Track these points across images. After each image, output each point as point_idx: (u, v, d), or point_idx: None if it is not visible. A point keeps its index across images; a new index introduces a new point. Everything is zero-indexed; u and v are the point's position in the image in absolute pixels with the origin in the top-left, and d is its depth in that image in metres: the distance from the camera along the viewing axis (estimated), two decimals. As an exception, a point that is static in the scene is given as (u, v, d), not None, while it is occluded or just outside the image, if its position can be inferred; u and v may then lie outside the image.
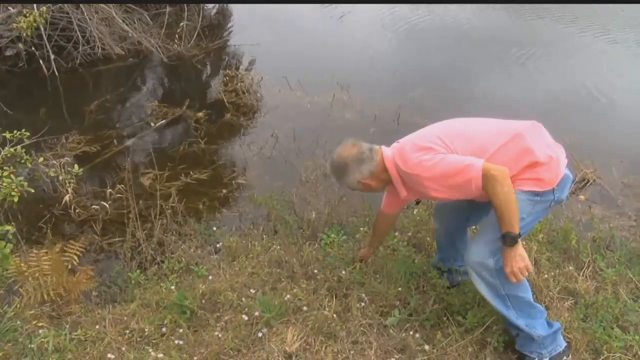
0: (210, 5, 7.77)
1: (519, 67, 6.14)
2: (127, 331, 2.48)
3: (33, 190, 2.68)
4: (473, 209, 2.47)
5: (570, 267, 2.91)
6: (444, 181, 2.08)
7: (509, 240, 2.03)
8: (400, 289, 2.64)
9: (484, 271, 2.15)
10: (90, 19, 5.82)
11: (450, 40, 6.90)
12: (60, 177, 3.59)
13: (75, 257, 2.83)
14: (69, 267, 2.79)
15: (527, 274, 2.10)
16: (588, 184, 4.07)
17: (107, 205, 3.60)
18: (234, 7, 7.84)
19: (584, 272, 2.90)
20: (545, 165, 2.11)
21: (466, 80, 5.78)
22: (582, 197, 3.95)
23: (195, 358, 2.30)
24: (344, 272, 2.76)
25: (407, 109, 4.89)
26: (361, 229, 3.18)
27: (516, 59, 6.32)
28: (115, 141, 4.51)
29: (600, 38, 7.02)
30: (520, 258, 2.06)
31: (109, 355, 2.30)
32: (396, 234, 3.10)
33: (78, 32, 5.77)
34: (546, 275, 2.80)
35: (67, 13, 5.77)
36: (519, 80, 5.86)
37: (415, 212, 3.27)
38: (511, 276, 2.07)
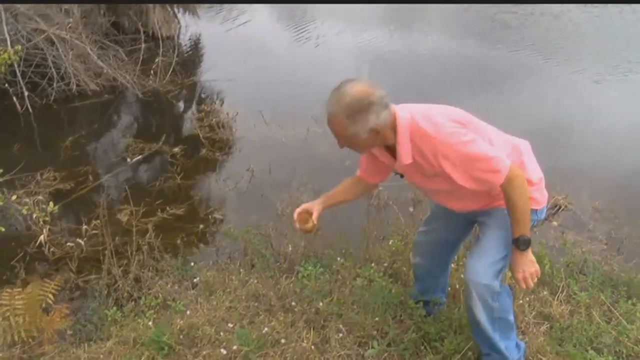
0: (185, 42, 7.87)
1: (490, 95, 6.31)
2: (104, 370, 2.44)
3: (3, 229, 2.66)
4: (459, 239, 2.47)
5: (545, 292, 2.97)
6: (469, 163, 1.91)
7: (523, 243, 2.01)
8: (377, 319, 2.65)
9: (488, 294, 2.10)
10: (65, 56, 5.85)
11: (424, 69, 7.09)
12: (34, 215, 3.55)
13: (51, 296, 2.79)
14: (43, 305, 2.75)
15: (536, 279, 2.08)
16: (560, 210, 4.17)
17: (82, 243, 3.56)
18: (208, 43, 7.95)
19: (558, 296, 2.96)
20: (536, 184, 2.13)
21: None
22: (554, 223, 4.05)
23: (173, 395, 2.28)
24: (321, 303, 2.77)
25: None
26: (338, 259, 3.20)
27: (487, 87, 6.50)
28: (90, 177, 4.49)
29: (567, 68, 7.27)
30: (530, 263, 2.05)
31: (85, 396, 2.26)
32: (372, 264, 3.12)
33: (53, 68, 5.78)
34: (521, 301, 2.85)
35: (42, 49, 5.79)
36: (490, 108, 6.00)
37: (390, 243, 3.30)
38: (522, 282, 2.06)
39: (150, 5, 7.11)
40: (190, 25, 8.19)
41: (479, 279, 2.09)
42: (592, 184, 4.46)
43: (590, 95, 6.49)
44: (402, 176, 2.17)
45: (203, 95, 6.37)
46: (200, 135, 5.19)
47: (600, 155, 5.03)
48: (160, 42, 6.87)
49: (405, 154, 1.98)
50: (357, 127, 1.88)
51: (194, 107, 6.09)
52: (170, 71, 6.41)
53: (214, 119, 5.47)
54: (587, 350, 2.53)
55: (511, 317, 2.25)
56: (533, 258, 2.07)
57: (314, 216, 2.24)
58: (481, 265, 2.12)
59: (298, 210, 2.26)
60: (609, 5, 10.29)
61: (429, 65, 7.35)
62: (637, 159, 4.98)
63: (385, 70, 7.10)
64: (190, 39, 8.03)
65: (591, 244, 3.79)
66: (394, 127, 1.95)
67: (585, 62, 7.39)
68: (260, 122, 5.45)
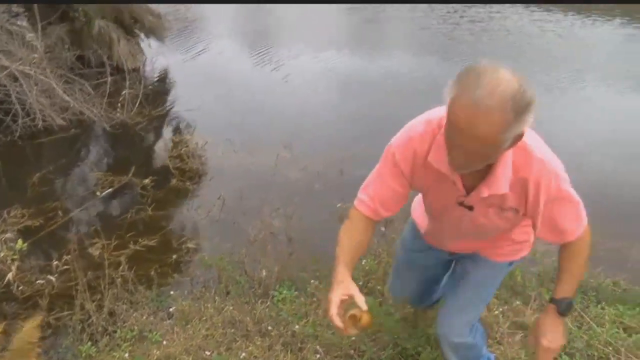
0: (151, 73, 7.88)
1: None
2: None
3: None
4: (439, 275, 2.28)
5: (518, 302, 3.04)
6: (562, 205, 1.61)
7: (567, 308, 1.71)
8: (354, 338, 2.67)
9: (463, 348, 2.01)
10: (29, 91, 5.81)
11: (391, 92, 7.19)
12: (1, 254, 3.50)
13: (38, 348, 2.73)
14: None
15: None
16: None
17: (53, 279, 3.51)
18: (175, 73, 7.98)
19: (531, 305, 3.03)
20: None
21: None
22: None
23: None
24: (297, 326, 2.79)
25: (351, 163, 5.04)
26: (312, 281, 3.22)
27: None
28: (60, 213, 4.45)
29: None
30: (562, 334, 1.75)
31: None
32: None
33: (17, 104, 5.73)
34: (496, 312, 2.92)
35: (5, 86, 5.74)
36: None
37: (364, 263, 3.34)
38: (543, 353, 1.75)
39: (115, 38, 7.12)
40: (156, 56, 8.21)
41: (454, 337, 1.98)
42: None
43: (542, 105, 6.67)
44: (470, 208, 1.64)
45: (171, 126, 6.37)
46: (170, 166, 5.19)
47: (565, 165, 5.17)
48: (127, 74, 6.87)
49: (504, 180, 1.50)
50: (514, 127, 1.31)
51: (162, 137, 6.08)
52: (137, 103, 6.41)
53: (183, 149, 5.47)
54: (560, 356, 2.59)
55: (484, 348, 2.20)
56: (565, 330, 1.78)
57: (359, 300, 1.52)
58: (459, 321, 1.98)
59: (333, 309, 1.50)
60: (563, 18, 10.69)
61: (390, 83, 7.48)
62: (594, 167, 5.13)
63: (348, 91, 7.24)
64: (156, 70, 8.04)
65: (560, 253, 3.89)
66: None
67: (537, 73, 7.59)
68: (229, 150, 5.48)
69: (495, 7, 11.78)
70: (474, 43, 9.35)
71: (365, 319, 1.51)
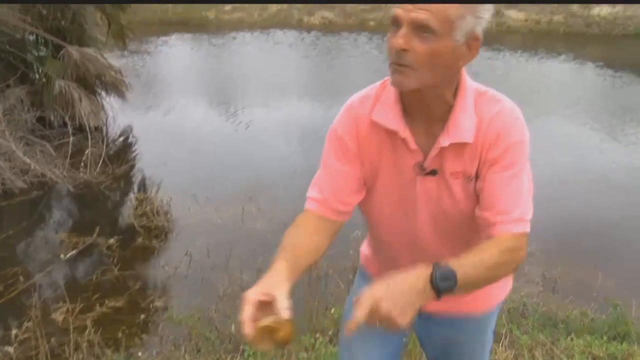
0: (115, 131, 7.86)
1: None
2: None
3: None
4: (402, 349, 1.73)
5: (489, 341, 3.05)
6: (513, 179, 1.28)
7: (441, 277, 1.12)
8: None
9: None
10: (-12, 156, 5.72)
11: None
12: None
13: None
14: None
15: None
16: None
17: (11, 350, 3.38)
18: (139, 131, 7.98)
19: (502, 342, 3.06)
20: None
21: None
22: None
23: None
24: (270, 381, 2.74)
25: None
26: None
27: None
28: (21, 278, 4.31)
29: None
30: (410, 301, 1.11)
31: None
32: (317, 335, 3.12)
33: (-24, 169, 5.63)
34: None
35: (-37, 152, 5.66)
36: None
37: (333, 311, 3.33)
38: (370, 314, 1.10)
39: (76, 96, 7.11)
40: (118, 114, 8.21)
41: None
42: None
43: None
44: (433, 172, 1.33)
45: (136, 183, 6.34)
46: (136, 224, 5.13)
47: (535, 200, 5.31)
48: (89, 133, 6.84)
49: (467, 125, 1.27)
50: (471, 21, 1.18)
51: (127, 196, 6.04)
52: (101, 162, 6.37)
53: (148, 207, 5.43)
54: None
55: None
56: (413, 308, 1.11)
57: (281, 306, 1.09)
58: None
59: (247, 310, 1.09)
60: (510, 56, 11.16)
61: None
62: (556, 200, 5.27)
63: (310, 139, 7.25)
64: (119, 128, 8.03)
65: (528, 287, 3.97)
66: (457, 84, 1.29)
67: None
68: (195, 206, 5.47)
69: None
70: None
71: (283, 332, 1.09)
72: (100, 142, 6.82)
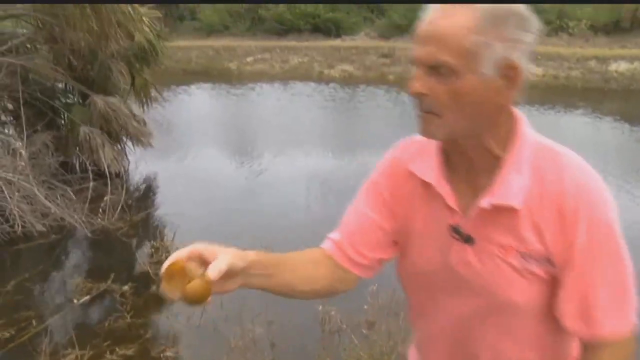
0: (135, 178, 7.99)
1: None
2: None
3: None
4: None
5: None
6: (606, 271, 1.02)
7: None
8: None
9: None
10: (10, 197, 5.83)
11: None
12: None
13: None
14: None
15: None
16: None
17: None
18: (159, 178, 8.11)
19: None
20: None
21: None
22: None
23: None
24: None
25: None
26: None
27: None
28: (34, 322, 4.33)
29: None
30: None
31: None
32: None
33: (-3, 211, 5.74)
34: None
35: (-13, 194, 5.78)
36: None
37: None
38: None
39: (100, 143, 7.27)
40: (140, 161, 8.36)
41: None
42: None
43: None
44: (467, 239, 1.08)
45: (153, 231, 6.38)
46: (151, 272, 5.14)
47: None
48: (109, 179, 6.96)
49: (516, 185, 1.02)
50: (488, 39, 0.95)
51: (144, 243, 6.07)
52: (119, 208, 6.45)
53: (164, 254, 5.45)
54: None
55: None
56: None
57: (215, 265, 1.02)
58: None
59: (176, 255, 1.05)
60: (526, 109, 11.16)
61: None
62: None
63: (328, 192, 7.36)
64: (139, 175, 8.18)
65: None
66: (508, 133, 1.06)
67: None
68: None
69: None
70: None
71: (196, 286, 0.99)
72: (120, 188, 6.93)
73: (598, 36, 26.54)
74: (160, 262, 5.29)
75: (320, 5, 31.72)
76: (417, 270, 1.19)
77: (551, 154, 1.05)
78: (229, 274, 1.02)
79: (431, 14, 0.99)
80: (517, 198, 1.01)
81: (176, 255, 1.02)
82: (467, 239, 1.08)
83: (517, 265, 1.03)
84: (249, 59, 23.82)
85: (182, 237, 5.92)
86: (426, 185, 1.12)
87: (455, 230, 1.09)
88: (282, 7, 32.15)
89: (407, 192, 1.17)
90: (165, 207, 6.94)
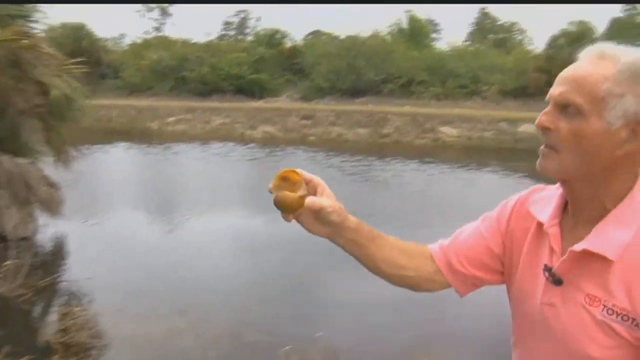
0: (44, 242, 7.61)
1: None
2: None
3: None
4: None
5: None
6: None
7: None
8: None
9: None
10: None
11: (293, 252, 7.25)
12: None
13: None
14: None
15: None
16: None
17: None
18: (69, 242, 7.76)
19: None
20: None
21: (310, 291, 6.08)
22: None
23: None
24: None
25: (247, 328, 4.98)
26: None
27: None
28: None
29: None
30: None
31: None
32: None
33: None
34: None
35: None
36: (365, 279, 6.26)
37: None
38: None
39: (3, 206, 6.91)
40: (51, 223, 7.99)
41: None
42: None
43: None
44: (557, 281, 1.09)
45: (60, 297, 6.04)
46: (53, 341, 4.84)
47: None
48: (12, 243, 6.59)
49: (615, 237, 1.02)
50: (622, 90, 0.99)
51: (49, 310, 5.73)
52: (23, 273, 6.08)
53: (70, 321, 5.16)
54: None
55: None
56: None
57: (320, 189, 1.17)
58: None
59: (297, 170, 1.15)
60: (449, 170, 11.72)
61: (289, 245, 7.60)
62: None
63: (245, 253, 7.29)
64: (50, 238, 7.78)
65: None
66: (626, 190, 1.06)
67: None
68: (122, 320, 5.23)
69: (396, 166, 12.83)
70: (374, 200, 10.05)
71: (292, 197, 1.12)
72: (25, 252, 6.56)
73: (507, 100, 28.48)
74: (65, 330, 5.04)
75: (245, 67, 32.30)
76: (518, 304, 1.22)
77: None
78: (321, 216, 1.14)
79: (579, 61, 1.05)
80: (612, 249, 1.01)
81: (301, 171, 1.14)
82: (557, 281, 1.09)
83: (599, 317, 1.01)
84: (171, 119, 23.71)
85: (93, 302, 5.66)
86: (539, 225, 1.16)
87: (548, 270, 1.11)
88: (205, 69, 32.45)
89: (521, 229, 1.21)
90: (76, 270, 6.60)
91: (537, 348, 1.14)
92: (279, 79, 33.21)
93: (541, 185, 1.25)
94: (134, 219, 9.24)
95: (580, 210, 1.09)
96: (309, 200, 1.12)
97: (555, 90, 1.04)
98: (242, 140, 20.06)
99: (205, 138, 20.11)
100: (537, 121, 1.07)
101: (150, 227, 8.74)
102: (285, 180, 1.13)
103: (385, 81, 30.33)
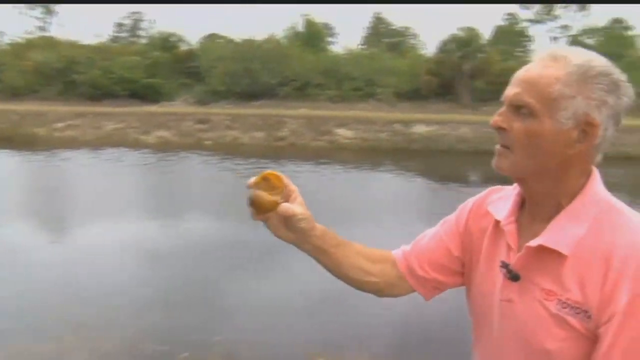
0: None
1: (271, 272, 6.65)
2: None
3: None
4: None
5: None
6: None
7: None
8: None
9: None
10: None
11: (182, 257, 7.23)
12: None
13: None
14: None
15: None
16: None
17: None
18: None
19: None
20: None
21: (205, 298, 5.98)
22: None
23: None
24: None
25: (143, 339, 4.83)
26: None
27: (261, 264, 6.84)
28: None
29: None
30: None
31: None
32: None
33: None
34: None
35: None
36: (270, 284, 6.31)
37: None
38: None
39: None
40: None
41: None
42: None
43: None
44: (514, 277, 1.13)
45: None
46: None
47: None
48: None
49: (568, 233, 1.07)
50: (573, 92, 1.04)
51: None
52: None
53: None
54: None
55: None
56: None
57: (292, 194, 1.22)
58: None
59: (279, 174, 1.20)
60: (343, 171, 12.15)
61: (204, 249, 7.59)
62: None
63: (160, 263, 7.12)
64: None
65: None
66: (578, 188, 1.10)
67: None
68: (3, 340, 4.92)
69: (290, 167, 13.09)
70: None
71: (266, 198, 1.17)
72: None
73: (402, 102, 29.75)
74: None
75: (138, 71, 31.45)
76: (477, 304, 1.26)
77: (614, 212, 1.07)
78: (291, 223, 1.19)
79: (532, 63, 1.10)
80: (566, 244, 1.05)
81: (282, 176, 1.19)
82: (514, 277, 1.12)
83: (554, 311, 1.05)
84: (60, 125, 22.71)
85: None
86: (497, 223, 1.21)
87: (505, 267, 1.14)
88: (96, 72, 31.21)
89: (479, 229, 1.26)
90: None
91: (497, 345, 1.18)
92: (174, 82, 32.66)
93: (498, 187, 1.30)
94: (17, 230, 8.87)
95: (536, 207, 1.14)
96: (283, 206, 1.16)
97: (509, 91, 1.09)
98: (136, 145, 19.62)
99: (96, 144, 19.49)
100: (492, 121, 1.11)
101: (35, 238, 8.45)
102: (266, 181, 1.18)
103: (281, 84, 30.74)
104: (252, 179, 1.17)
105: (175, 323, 5.23)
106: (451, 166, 17.49)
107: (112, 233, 8.53)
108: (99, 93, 30.48)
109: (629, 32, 38.52)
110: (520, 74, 1.09)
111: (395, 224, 9.27)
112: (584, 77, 1.03)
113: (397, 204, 11.20)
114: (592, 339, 1.02)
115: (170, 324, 5.22)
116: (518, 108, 1.06)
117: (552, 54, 1.07)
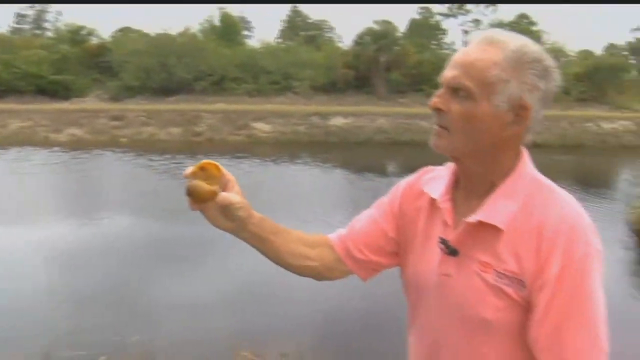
0: None
1: (188, 268, 6.67)
2: None
3: None
4: None
5: None
6: (574, 307, 1.05)
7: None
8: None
9: None
10: None
11: (116, 254, 7.17)
12: None
13: None
14: None
15: None
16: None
17: None
18: None
19: None
20: None
21: (122, 297, 5.89)
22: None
23: None
24: None
25: (60, 345, 4.60)
26: None
27: (183, 260, 6.87)
28: None
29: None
30: None
31: None
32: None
33: None
34: None
35: None
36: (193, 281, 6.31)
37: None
38: None
39: None
40: None
41: None
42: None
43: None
44: (452, 252, 1.18)
45: None
46: None
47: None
48: None
49: (504, 208, 1.12)
50: (515, 85, 1.09)
51: None
52: None
53: None
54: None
55: None
56: None
57: (229, 183, 1.20)
58: None
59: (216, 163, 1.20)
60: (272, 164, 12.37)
61: (120, 248, 7.49)
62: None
63: (74, 264, 6.93)
64: None
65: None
66: (510, 168, 1.16)
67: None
68: None
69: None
70: (182, 195, 10.10)
71: (204, 188, 1.16)
72: None
73: (319, 95, 30.14)
74: None
75: (45, 66, 30.07)
76: (413, 282, 1.29)
77: (545, 189, 1.14)
78: (229, 211, 1.19)
79: (469, 46, 1.13)
80: (501, 219, 1.11)
81: (219, 165, 1.18)
82: (452, 252, 1.17)
83: (492, 282, 1.10)
84: (-41, 124, 21.42)
85: None
86: (432, 201, 1.25)
87: (443, 242, 1.19)
88: (-2, 67, 29.54)
89: (415, 208, 1.29)
90: None
91: (435, 321, 1.22)
92: (86, 78, 31.48)
93: (430, 167, 1.33)
94: None
95: (471, 185, 1.19)
96: (221, 196, 1.16)
97: (447, 73, 1.12)
98: (47, 144, 18.84)
99: (1, 143, 18.53)
100: (430, 102, 1.14)
101: None
102: (204, 171, 1.17)
103: (198, 79, 30.44)
104: (189, 169, 1.16)
105: (91, 326, 5.08)
106: (369, 157, 18.03)
107: (21, 236, 8.20)
108: (1, 89, 28.86)
109: (534, 27, 40.80)
110: (459, 56, 1.12)
111: (311, 215, 9.51)
112: (520, 62, 1.08)
113: (314, 196, 11.49)
114: (527, 308, 1.08)
115: (86, 327, 5.06)
116: (456, 90, 1.10)
117: (489, 38, 1.11)
